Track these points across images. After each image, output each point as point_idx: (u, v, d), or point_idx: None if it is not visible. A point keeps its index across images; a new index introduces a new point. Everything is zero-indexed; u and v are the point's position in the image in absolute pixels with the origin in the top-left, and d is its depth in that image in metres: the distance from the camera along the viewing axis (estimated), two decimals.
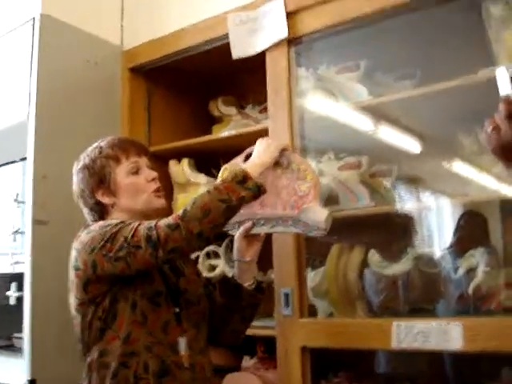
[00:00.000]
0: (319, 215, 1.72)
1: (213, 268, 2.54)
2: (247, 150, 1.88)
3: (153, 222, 1.55)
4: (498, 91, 1.28)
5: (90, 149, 1.81)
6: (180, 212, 1.55)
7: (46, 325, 2.28)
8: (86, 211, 1.80)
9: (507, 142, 1.26)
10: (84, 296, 1.63)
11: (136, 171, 1.77)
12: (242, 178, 1.60)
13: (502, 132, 1.26)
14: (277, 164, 1.80)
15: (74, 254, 1.66)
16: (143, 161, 1.80)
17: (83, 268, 1.61)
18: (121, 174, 1.75)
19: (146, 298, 1.64)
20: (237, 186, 1.59)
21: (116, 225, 1.60)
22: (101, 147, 1.78)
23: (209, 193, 1.58)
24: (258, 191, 1.62)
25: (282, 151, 1.81)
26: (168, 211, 2.55)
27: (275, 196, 1.78)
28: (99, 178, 1.75)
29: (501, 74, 1.24)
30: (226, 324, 1.85)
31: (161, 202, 1.80)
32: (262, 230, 1.80)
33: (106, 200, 1.75)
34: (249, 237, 1.80)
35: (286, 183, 1.78)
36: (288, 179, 1.79)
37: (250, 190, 1.60)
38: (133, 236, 1.54)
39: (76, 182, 1.80)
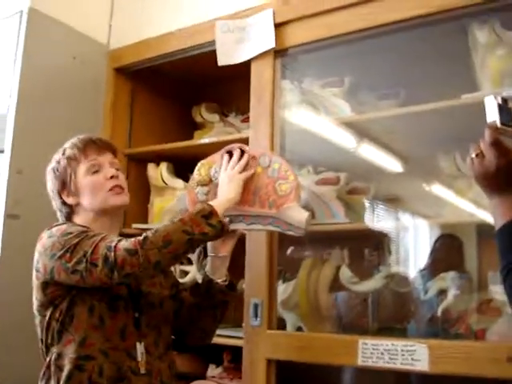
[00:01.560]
0: (300, 215, 1.73)
1: (185, 274, 2.53)
2: (226, 148, 1.88)
3: (114, 241, 1.54)
4: (479, 116, 1.28)
5: (58, 150, 1.81)
6: (141, 238, 1.53)
7: (10, 321, 2.25)
8: (57, 212, 1.80)
9: (491, 171, 1.26)
10: (43, 298, 1.63)
11: (96, 170, 1.75)
12: (208, 213, 1.60)
13: (485, 160, 1.26)
14: (257, 163, 1.82)
15: (36, 255, 1.65)
16: (105, 158, 1.78)
17: (42, 271, 1.61)
18: (81, 173, 1.74)
19: (104, 302, 1.62)
20: (201, 220, 1.58)
21: (77, 235, 1.58)
22: (64, 148, 1.79)
23: (173, 223, 1.58)
24: (221, 230, 1.62)
25: (258, 155, 1.82)
26: (144, 212, 2.57)
27: (254, 194, 1.80)
28: (62, 179, 1.75)
29: (489, 101, 1.25)
30: (195, 323, 1.84)
31: (120, 199, 1.76)
32: (239, 227, 1.80)
33: (70, 201, 1.75)
34: None
35: (267, 181, 1.79)
36: (269, 178, 1.80)
37: (214, 227, 1.59)
38: (92, 252, 1.53)
39: (47, 183, 1.81)
